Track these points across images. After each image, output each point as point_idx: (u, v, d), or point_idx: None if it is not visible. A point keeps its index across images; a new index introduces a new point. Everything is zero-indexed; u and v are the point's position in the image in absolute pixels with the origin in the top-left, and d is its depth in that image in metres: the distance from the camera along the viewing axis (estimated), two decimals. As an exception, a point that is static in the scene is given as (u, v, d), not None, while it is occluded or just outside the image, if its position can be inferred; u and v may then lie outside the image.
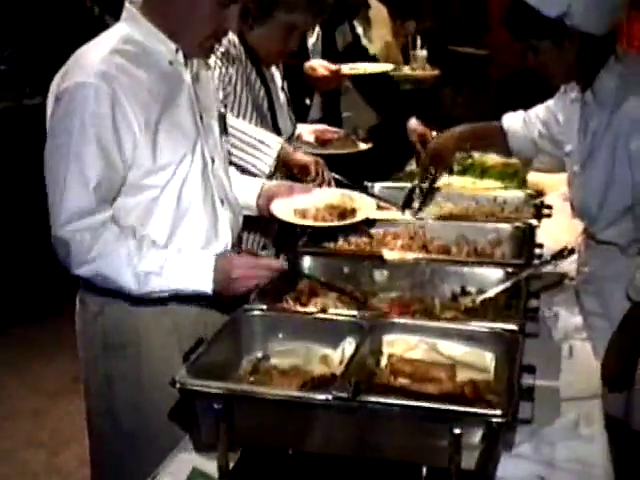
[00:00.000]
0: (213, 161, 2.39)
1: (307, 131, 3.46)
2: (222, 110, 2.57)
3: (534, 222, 2.95)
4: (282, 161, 3.01)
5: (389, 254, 2.61)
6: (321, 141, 3.47)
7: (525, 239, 2.81)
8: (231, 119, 2.93)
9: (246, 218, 2.71)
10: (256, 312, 2.23)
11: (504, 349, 2.05)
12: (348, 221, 2.69)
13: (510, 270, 2.49)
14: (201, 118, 2.36)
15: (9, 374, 5.05)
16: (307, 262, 2.63)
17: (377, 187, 3.41)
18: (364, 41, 4.57)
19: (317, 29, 4.10)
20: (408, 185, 3.38)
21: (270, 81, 3.22)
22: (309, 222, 2.66)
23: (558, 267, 2.74)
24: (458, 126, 3.22)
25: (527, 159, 3.26)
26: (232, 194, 2.51)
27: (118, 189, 2.20)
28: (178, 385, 1.87)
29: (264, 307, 2.26)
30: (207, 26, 2.24)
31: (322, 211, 2.69)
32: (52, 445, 4.38)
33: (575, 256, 2.65)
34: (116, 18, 2.34)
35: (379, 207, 3.19)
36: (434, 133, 3.93)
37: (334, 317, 2.23)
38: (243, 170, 2.97)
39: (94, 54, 2.18)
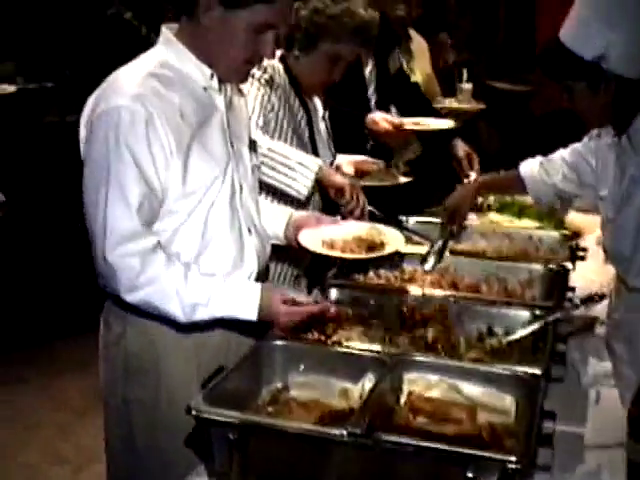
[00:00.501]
0: (242, 189, 2.38)
1: (346, 162, 3.44)
2: (253, 137, 2.56)
3: (567, 264, 2.92)
4: (319, 183, 2.99)
5: (415, 290, 2.59)
6: (360, 172, 3.44)
7: (557, 281, 2.78)
8: (270, 141, 2.95)
9: (278, 248, 2.72)
10: (277, 342, 2.23)
11: (525, 393, 2.03)
12: (376, 254, 2.67)
13: (538, 312, 2.46)
14: (232, 144, 2.36)
15: (36, 390, 5.08)
16: (335, 294, 2.62)
17: (411, 221, 3.40)
18: (407, 72, 4.59)
19: (371, 59, 4.07)
20: (436, 220, 3.39)
21: (312, 110, 3.23)
22: (336, 253, 2.64)
23: (590, 311, 2.70)
24: (474, 180, 3.23)
25: (545, 204, 3.22)
26: (260, 223, 2.51)
27: (158, 212, 2.20)
28: (194, 412, 1.87)
29: (286, 337, 2.26)
30: (243, 52, 2.25)
31: (350, 243, 2.68)
32: (76, 462, 4.39)
33: (606, 301, 2.61)
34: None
35: (412, 242, 3.19)
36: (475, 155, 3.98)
37: (355, 351, 2.22)
38: (281, 192, 2.98)
39: (129, 77, 2.20)
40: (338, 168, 3.37)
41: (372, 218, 3.17)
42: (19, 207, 5.33)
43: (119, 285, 2.15)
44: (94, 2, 6.09)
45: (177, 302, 2.17)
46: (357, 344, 2.30)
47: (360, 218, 2.89)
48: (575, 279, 2.89)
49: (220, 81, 2.33)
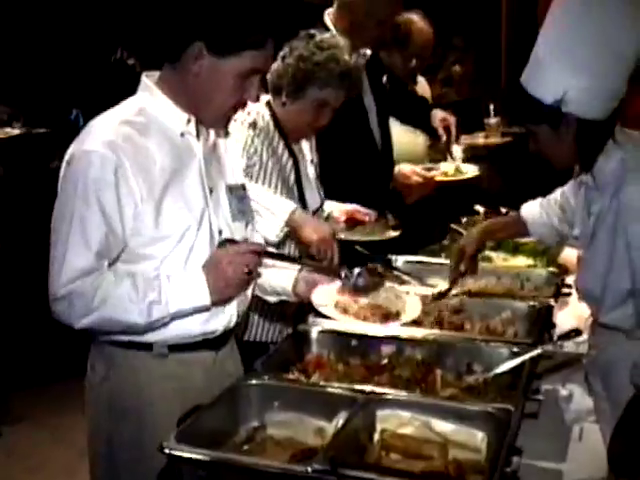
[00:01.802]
0: (221, 233, 2.40)
1: (338, 210, 3.44)
2: (239, 182, 2.57)
3: (551, 301, 2.96)
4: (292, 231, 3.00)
5: (394, 329, 2.62)
6: (351, 222, 3.42)
7: (540, 318, 2.81)
8: (247, 184, 2.97)
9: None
10: (253, 381, 2.27)
11: (496, 429, 2.05)
12: (390, 323, 2.65)
13: (516, 349, 2.49)
14: (210, 190, 2.38)
15: (40, 430, 5.13)
16: (315, 334, 2.66)
17: (400, 260, 3.44)
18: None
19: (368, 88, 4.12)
20: (432, 260, 3.43)
21: (298, 154, 3.26)
22: (350, 319, 2.62)
23: (580, 347, 2.72)
24: (477, 226, 3.26)
25: (550, 245, 3.25)
26: None
27: (118, 253, 2.26)
28: (166, 451, 1.91)
29: (264, 377, 2.30)
30: (230, 98, 2.29)
31: (365, 309, 2.66)
32: (80, 502, 4.42)
33: (585, 337, 2.63)
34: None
35: (401, 281, 3.23)
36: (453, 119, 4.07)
37: (329, 390, 2.25)
38: None
39: (104, 124, 2.26)
40: (329, 217, 3.39)
41: (360, 257, 3.22)
42: (21, 250, 5.42)
43: (73, 314, 2.22)
44: (99, 48, 6.23)
45: (133, 308, 2.21)
46: (335, 383, 2.33)
47: (329, 272, 2.81)
48: (565, 316, 2.93)
49: (199, 127, 2.37)
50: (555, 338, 2.59)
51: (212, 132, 2.46)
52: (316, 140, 3.41)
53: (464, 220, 4.24)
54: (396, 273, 3.33)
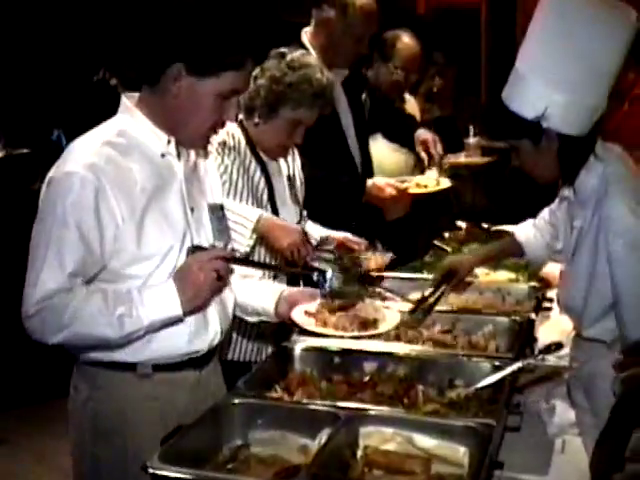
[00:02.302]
0: None
1: (329, 238, 3.43)
2: (217, 202, 2.58)
3: (532, 315, 2.98)
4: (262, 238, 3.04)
5: (374, 345, 2.64)
6: (342, 249, 3.41)
7: (520, 333, 2.83)
8: None
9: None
10: (236, 400, 2.28)
11: (478, 443, 2.07)
12: (369, 332, 2.67)
13: (498, 364, 2.51)
14: (192, 210, 2.40)
15: (25, 452, 5.09)
16: (298, 352, 2.67)
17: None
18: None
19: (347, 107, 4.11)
20: (414, 276, 3.45)
21: (273, 172, 3.26)
22: (329, 331, 2.64)
23: (562, 361, 2.74)
24: (475, 252, 3.33)
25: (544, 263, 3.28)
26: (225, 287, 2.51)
27: (95, 273, 2.26)
28: (150, 470, 1.92)
29: (246, 395, 2.30)
30: (209, 119, 2.30)
31: (343, 319, 2.68)
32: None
33: (566, 350, 2.65)
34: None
35: (384, 298, 3.25)
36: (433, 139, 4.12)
37: (311, 407, 2.27)
38: None
39: (85, 146, 2.28)
40: (320, 243, 3.38)
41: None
42: (1, 272, 5.40)
43: (45, 331, 2.23)
44: (81, 68, 6.24)
45: (103, 321, 2.21)
46: (318, 401, 2.34)
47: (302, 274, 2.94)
48: (548, 330, 2.95)
49: (179, 147, 2.39)
50: (536, 352, 2.60)
51: (192, 152, 2.47)
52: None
53: (447, 236, 4.27)
54: (378, 289, 3.34)
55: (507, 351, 2.74)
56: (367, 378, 2.56)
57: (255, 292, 2.70)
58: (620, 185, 2.45)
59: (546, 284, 3.45)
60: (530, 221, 3.10)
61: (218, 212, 2.55)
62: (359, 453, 2.16)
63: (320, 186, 3.46)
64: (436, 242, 4.12)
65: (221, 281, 2.31)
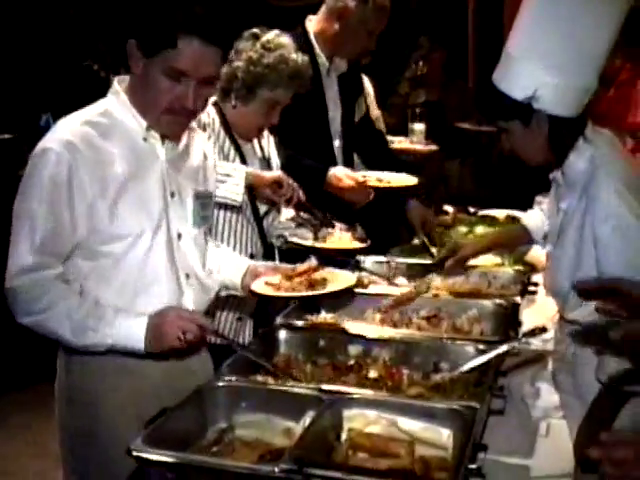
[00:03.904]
0: (180, 237, 2.46)
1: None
2: (208, 189, 2.62)
3: (518, 299, 2.98)
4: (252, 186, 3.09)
5: (359, 328, 2.64)
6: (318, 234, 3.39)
7: (505, 316, 2.83)
8: None
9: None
10: (220, 383, 2.28)
11: (461, 426, 2.07)
12: (314, 292, 2.68)
13: (482, 347, 2.51)
14: (172, 194, 2.44)
15: (13, 436, 5.09)
16: (283, 335, 2.67)
17: (368, 261, 3.47)
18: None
19: (338, 105, 4.05)
20: (400, 260, 3.52)
21: (248, 153, 3.25)
22: (278, 293, 2.67)
23: (547, 345, 2.75)
24: (484, 235, 3.39)
25: None
26: (202, 270, 2.57)
27: (69, 250, 2.31)
28: (134, 453, 1.92)
29: (230, 378, 2.30)
30: (161, 100, 2.31)
31: (295, 283, 2.70)
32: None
33: (551, 334, 2.66)
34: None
35: (368, 281, 3.25)
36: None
37: (295, 390, 2.27)
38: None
39: (68, 124, 2.32)
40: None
41: (328, 260, 3.23)
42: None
43: (17, 309, 2.29)
44: (70, 52, 6.21)
45: (69, 326, 2.27)
46: (302, 384, 2.35)
47: (298, 205, 3.07)
48: (533, 314, 2.95)
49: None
50: (520, 335, 2.61)
51: (184, 137, 2.50)
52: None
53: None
54: (364, 273, 3.35)
55: (492, 335, 2.75)
56: (352, 361, 2.56)
57: (223, 266, 2.74)
58: (608, 169, 2.45)
59: (532, 268, 3.46)
60: (537, 207, 3.11)
61: (204, 199, 2.58)
62: (343, 436, 2.16)
63: (287, 166, 3.45)
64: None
65: (184, 343, 2.30)
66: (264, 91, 3.07)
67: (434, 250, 3.70)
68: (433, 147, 5.55)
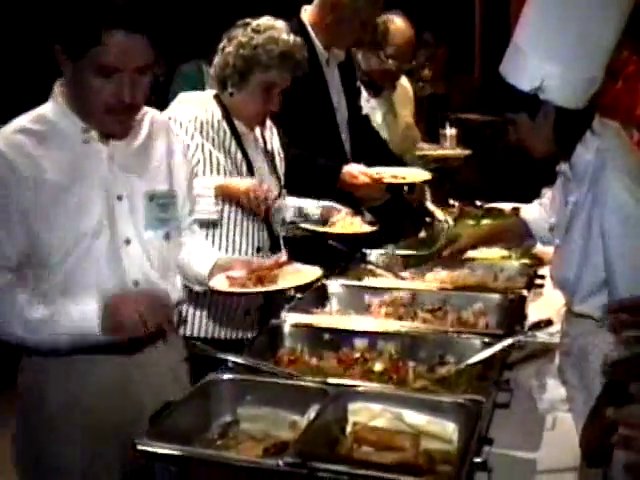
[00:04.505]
0: (129, 242, 2.36)
1: (314, 206, 3.41)
2: (168, 188, 2.50)
3: (524, 292, 2.98)
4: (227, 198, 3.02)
5: (364, 322, 2.63)
6: (327, 218, 3.39)
7: (511, 309, 2.83)
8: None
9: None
10: (225, 377, 2.28)
11: (467, 420, 2.07)
12: (260, 289, 2.54)
13: (488, 340, 2.50)
14: (119, 197, 2.35)
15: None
16: (288, 329, 2.67)
17: (374, 254, 3.46)
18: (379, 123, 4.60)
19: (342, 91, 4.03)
20: (406, 253, 3.50)
21: (251, 145, 3.21)
22: (225, 287, 2.53)
23: (553, 338, 2.75)
24: (483, 226, 3.42)
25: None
26: (157, 276, 2.45)
27: (15, 259, 2.26)
28: (139, 447, 1.92)
29: (237, 371, 2.31)
30: (97, 100, 2.23)
31: (244, 279, 2.55)
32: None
33: (557, 327, 2.65)
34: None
35: (375, 274, 3.25)
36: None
37: (300, 384, 2.26)
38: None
39: (2, 134, 2.27)
40: (305, 213, 3.36)
41: (334, 252, 3.23)
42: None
43: None
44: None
45: (19, 321, 2.23)
46: (307, 377, 2.34)
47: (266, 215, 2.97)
48: (536, 307, 2.94)
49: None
50: (526, 328, 2.60)
51: (142, 134, 2.44)
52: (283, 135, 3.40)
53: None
54: (370, 266, 3.35)
55: (497, 328, 2.74)
56: (357, 355, 2.55)
57: (192, 260, 2.63)
58: (615, 161, 2.44)
59: (538, 261, 3.46)
60: (536, 201, 3.10)
61: (164, 199, 2.47)
62: (348, 429, 2.15)
63: (298, 166, 3.43)
64: (428, 219, 4.11)
65: (145, 326, 2.21)
66: (257, 74, 3.02)
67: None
68: (467, 152, 5.53)
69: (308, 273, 2.65)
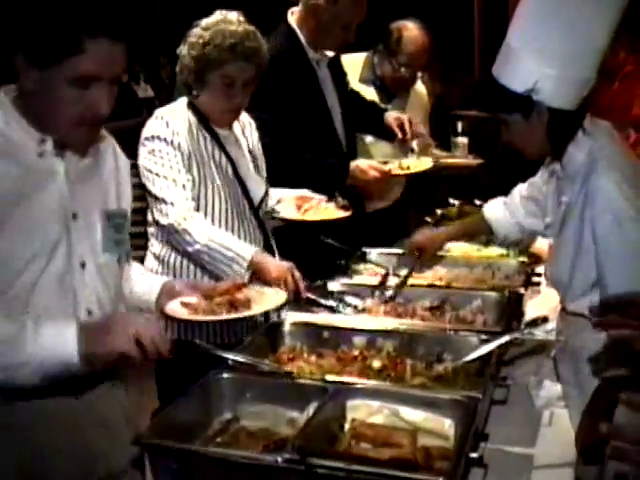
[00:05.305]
0: (84, 266, 2.12)
1: (289, 197, 3.39)
2: (122, 208, 2.30)
3: (521, 290, 3.00)
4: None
5: (363, 320, 2.66)
6: (302, 207, 3.37)
7: (508, 307, 2.86)
8: (209, 229, 2.96)
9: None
10: (225, 375, 2.31)
11: (463, 416, 2.10)
12: (237, 315, 2.45)
13: (485, 338, 2.53)
14: (74, 216, 2.11)
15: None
16: (288, 327, 2.70)
17: (374, 253, 3.49)
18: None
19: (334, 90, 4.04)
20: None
21: (232, 145, 3.18)
22: (194, 317, 2.40)
23: (549, 335, 2.77)
24: (445, 228, 3.40)
25: (514, 243, 3.31)
26: (111, 304, 2.22)
27: None
28: (143, 440, 1.96)
29: (237, 369, 2.34)
30: (70, 112, 2.01)
31: (213, 303, 2.45)
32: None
33: (553, 324, 2.68)
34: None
35: (374, 272, 3.28)
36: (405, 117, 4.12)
37: (300, 381, 2.30)
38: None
39: None
40: (279, 201, 3.37)
41: (328, 248, 3.26)
42: None
43: None
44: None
45: None
46: (306, 374, 2.38)
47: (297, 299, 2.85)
48: (533, 305, 2.97)
49: (62, 147, 2.10)
50: (523, 326, 2.63)
51: (91, 150, 2.19)
52: (273, 138, 3.42)
53: (439, 213, 4.29)
54: (369, 265, 3.38)
55: (494, 325, 2.77)
56: (356, 352, 2.58)
57: (135, 286, 2.45)
58: (607, 161, 2.46)
59: (536, 259, 3.48)
60: (500, 199, 3.12)
61: (117, 219, 2.25)
62: (346, 426, 2.18)
63: (305, 168, 3.44)
64: (428, 219, 4.14)
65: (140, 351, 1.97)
66: (212, 71, 2.97)
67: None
68: (479, 160, 5.54)
69: (274, 295, 2.61)
